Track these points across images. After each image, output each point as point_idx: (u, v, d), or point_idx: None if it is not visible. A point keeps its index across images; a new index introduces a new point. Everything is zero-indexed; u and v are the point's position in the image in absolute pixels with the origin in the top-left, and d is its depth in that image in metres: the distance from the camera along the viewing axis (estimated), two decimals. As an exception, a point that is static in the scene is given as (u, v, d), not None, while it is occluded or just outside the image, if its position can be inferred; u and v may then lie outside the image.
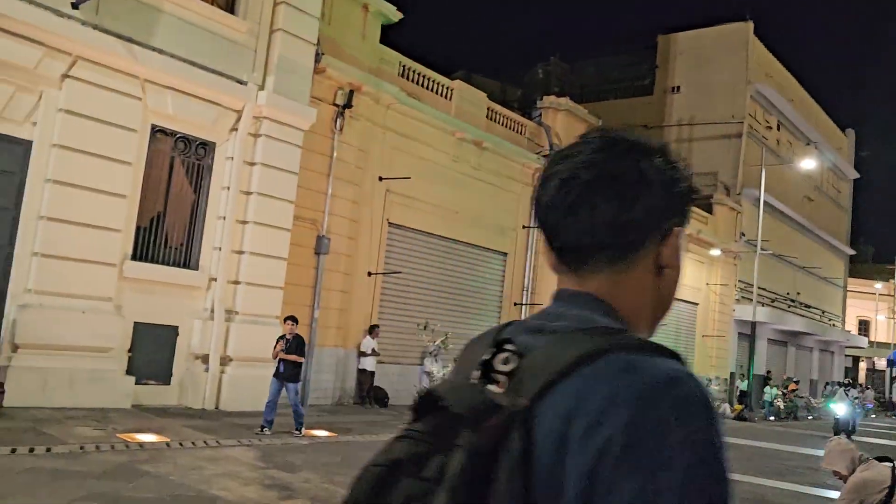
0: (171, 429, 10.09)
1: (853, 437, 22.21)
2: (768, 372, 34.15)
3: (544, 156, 20.55)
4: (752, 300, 28.52)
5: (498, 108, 19.89)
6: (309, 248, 14.69)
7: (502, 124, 20.03)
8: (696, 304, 29.92)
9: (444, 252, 18.35)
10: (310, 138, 14.01)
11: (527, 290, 20.61)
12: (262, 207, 13.07)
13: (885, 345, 53.44)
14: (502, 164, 19.81)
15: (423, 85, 17.78)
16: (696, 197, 1.10)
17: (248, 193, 13.00)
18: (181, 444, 9.21)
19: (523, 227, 20.62)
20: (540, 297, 20.68)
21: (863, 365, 61.50)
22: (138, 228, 11.91)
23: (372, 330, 15.81)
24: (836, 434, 25.91)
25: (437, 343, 14.40)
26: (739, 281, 32.28)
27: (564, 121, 21.55)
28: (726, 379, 31.07)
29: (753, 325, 27.38)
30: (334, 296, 15.27)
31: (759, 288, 33.70)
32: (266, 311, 13.06)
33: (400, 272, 16.64)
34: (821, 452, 15.43)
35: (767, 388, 30.29)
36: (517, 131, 20.52)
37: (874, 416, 41.08)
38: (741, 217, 32.23)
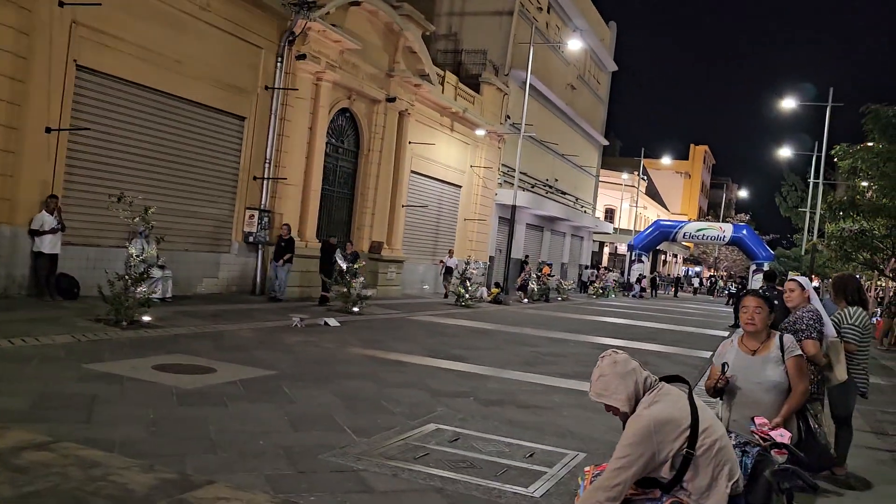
0: None
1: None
2: (526, 256, 34.76)
3: (293, 3, 17.37)
4: (514, 184, 28.02)
5: (233, -65, 16.20)
6: (-55, 87, 10.68)
7: (239, -42, 16.44)
8: (460, 186, 28.96)
9: (158, 110, 14.87)
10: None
11: (269, 163, 17.80)
12: None
13: (628, 231, 57.87)
14: (242, 10, 16.38)
15: None
16: None
17: None
18: None
19: (266, 87, 17.55)
20: (285, 171, 18.04)
21: (607, 250, 66.73)
22: None
23: (48, 202, 12.29)
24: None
25: (147, 222, 11.40)
26: (503, 165, 31.81)
27: (318, -35, 18.33)
28: (486, 262, 30.95)
29: (514, 208, 26.96)
30: (-9, 156, 11.48)
31: (521, 174, 33.66)
32: None
33: (89, 129, 13.03)
34: (567, 336, 14.36)
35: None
36: (259, -30, 17.02)
37: (614, 295, 44.30)
38: (507, 99, 31.39)
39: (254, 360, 9.30)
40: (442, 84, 26.00)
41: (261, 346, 10.57)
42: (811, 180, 34.50)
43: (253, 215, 17.30)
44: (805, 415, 4.49)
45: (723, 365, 4.22)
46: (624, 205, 61.13)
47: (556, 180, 39.74)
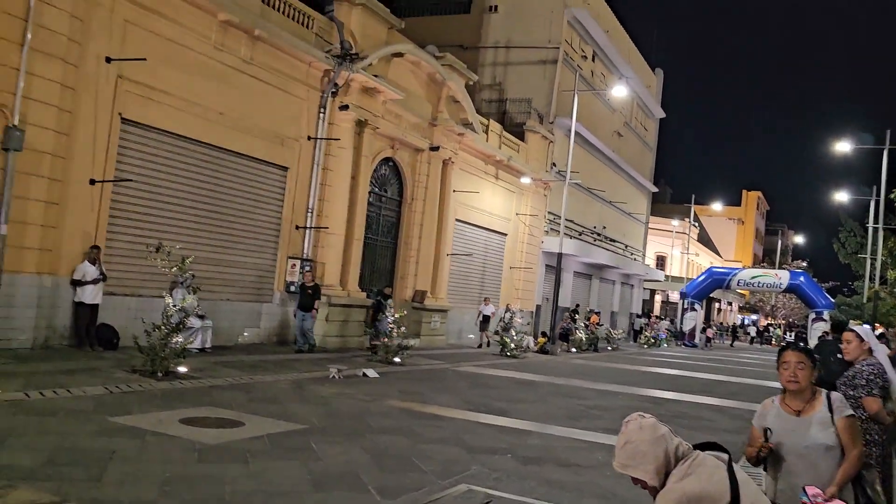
0: None
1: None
2: (577, 305, 34.05)
3: (335, 55, 17.57)
4: (560, 231, 27.59)
5: (276, -10, 16.53)
6: (-9, 141, 10.92)
7: (283, 12, 16.74)
8: (506, 234, 28.66)
9: (202, 161, 15.03)
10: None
11: (311, 212, 17.80)
12: None
13: (680, 279, 56.50)
14: (283, 61, 16.62)
15: (174, -53, 14.02)
16: None
17: None
18: None
19: (309, 138, 17.67)
20: (327, 221, 18.01)
21: (659, 298, 65.23)
22: None
23: (90, 253, 12.38)
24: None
25: (183, 271, 11.37)
26: (549, 212, 31.45)
27: (360, 17, 18.58)
28: (532, 311, 30.39)
29: (560, 255, 26.49)
30: (35, 207, 11.64)
31: (568, 221, 33.22)
32: None
33: (131, 180, 13.17)
34: (617, 388, 13.60)
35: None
36: (303, 23, 17.31)
37: (666, 345, 43.03)
38: (553, 147, 31.19)
39: (285, 413, 9.01)
40: (486, 132, 25.96)
41: (295, 398, 10.30)
42: (870, 225, 33.18)
43: (295, 264, 17.25)
44: (861, 484, 3.94)
45: (765, 431, 3.71)
46: (675, 252, 59.86)
47: (605, 227, 39.14)
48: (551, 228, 31.39)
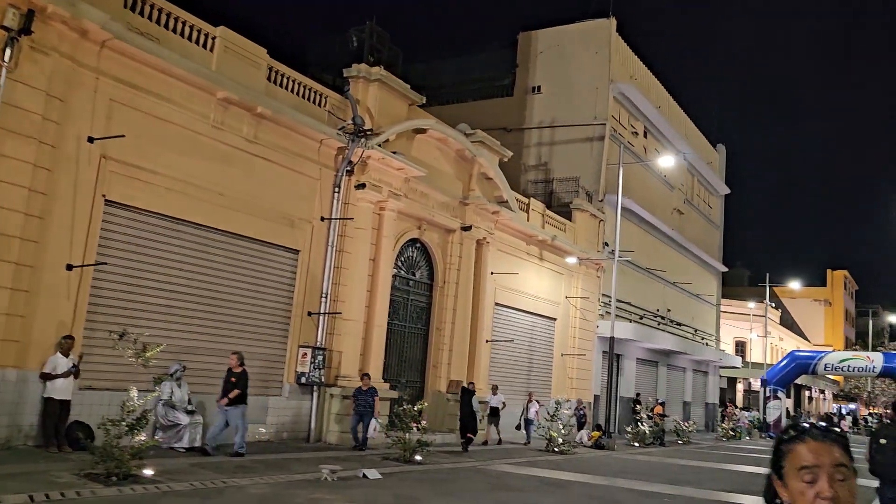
0: None
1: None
2: (637, 394, 31.45)
3: (348, 132, 16.80)
4: (611, 313, 25.59)
5: (283, 68, 16.00)
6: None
7: (291, 90, 16.18)
8: (555, 319, 26.80)
9: (198, 244, 14.15)
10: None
11: (326, 297, 16.65)
12: None
13: (760, 365, 52.56)
14: (291, 139, 15.92)
15: (169, 27, 13.67)
16: None
17: None
18: None
19: (322, 218, 16.73)
20: (344, 306, 16.81)
21: (740, 386, 60.82)
22: None
23: (62, 343, 11.41)
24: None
25: (147, 361, 10.25)
26: (603, 295, 29.49)
27: (378, 94, 17.91)
28: (590, 403, 28.03)
29: (612, 339, 24.40)
30: (1, 295, 10.83)
31: (625, 303, 31.11)
32: None
33: (106, 263, 12.29)
34: (668, 489, 11.24)
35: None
36: (315, 101, 16.70)
37: (749, 437, 39.36)
38: (604, 225, 29.57)
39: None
40: (527, 211, 24.67)
41: (254, 506, 8.78)
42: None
43: (306, 354, 15.97)
44: None
45: None
46: (752, 335, 56.05)
47: (669, 310, 36.66)
48: (606, 312, 29.34)
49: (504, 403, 21.23)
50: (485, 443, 20.43)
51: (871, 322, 74.43)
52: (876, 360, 43.78)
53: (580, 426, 23.48)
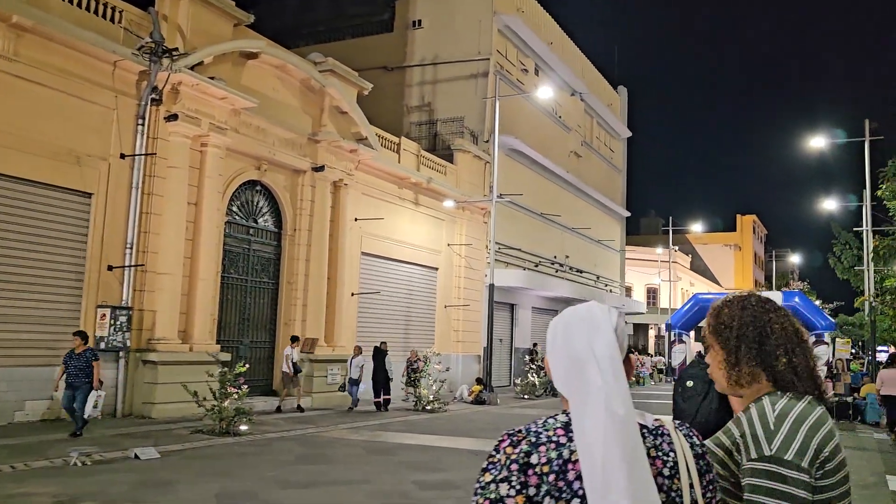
0: None
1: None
2: (535, 344, 30.13)
3: (147, 52, 14.16)
4: (511, 265, 23.89)
5: (55, -28, 13.21)
6: None
7: (75, 3, 13.42)
8: (436, 268, 24.93)
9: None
10: None
11: (131, 248, 14.16)
12: None
13: (668, 310, 52.42)
14: (73, 59, 13.21)
15: None
16: None
17: None
18: None
19: (122, 156, 14.15)
20: (155, 259, 14.39)
21: (652, 332, 60.95)
22: None
23: None
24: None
25: None
26: (497, 243, 27.74)
27: (191, 9, 15.27)
28: (479, 356, 26.47)
29: (492, 286, 22.71)
30: None
31: (517, 250, 29.52)
32: None
33: None
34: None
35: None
36: (105, 16, 13.98)
37: (653, 382, 38.94)
38: (490, 167, 27.68)
39: None
40: (397, 151, 22.51)
41: None
42: (865, 229, 29.31)
43: (105, 314, 13.52)
44: None
45: None
46: (662, 282, 55.91)
47: (567, 257, 35.33)
48: (497, 260, 27.65)
49: (289, 355, 16.86)
50: (278, 409, 16.40)
51: (774, 263, 76.05)
52: (775, 298, 43.87)
53: (411, 382, 19.12)
